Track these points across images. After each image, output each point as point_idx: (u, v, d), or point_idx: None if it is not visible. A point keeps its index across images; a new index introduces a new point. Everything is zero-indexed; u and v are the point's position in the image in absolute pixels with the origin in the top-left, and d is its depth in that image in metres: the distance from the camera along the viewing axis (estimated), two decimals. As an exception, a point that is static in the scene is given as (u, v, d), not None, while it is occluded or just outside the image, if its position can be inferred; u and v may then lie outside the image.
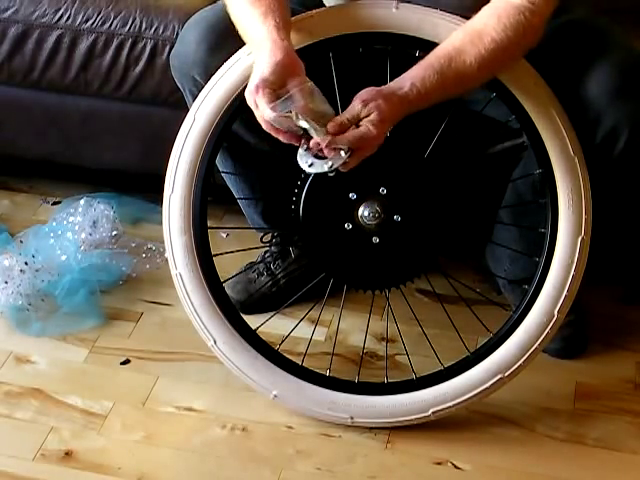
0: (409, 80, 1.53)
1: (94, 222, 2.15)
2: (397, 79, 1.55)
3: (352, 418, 1.73)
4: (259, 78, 1.50)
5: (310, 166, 1.53)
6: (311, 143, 1.50)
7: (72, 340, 1.92)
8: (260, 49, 1.53)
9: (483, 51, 1.54)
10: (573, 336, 1.89)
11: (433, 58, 1.55)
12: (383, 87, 1.53)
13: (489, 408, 1.77)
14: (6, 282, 1.99)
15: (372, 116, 1.50)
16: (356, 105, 1.51)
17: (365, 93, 1.52)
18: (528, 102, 1.63)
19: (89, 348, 1.91)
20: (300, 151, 1.53)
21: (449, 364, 1.73)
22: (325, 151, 1.50)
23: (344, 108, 1.61)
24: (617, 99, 1.60)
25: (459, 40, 1.55)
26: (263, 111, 1.50)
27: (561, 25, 1.62)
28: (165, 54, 2.02)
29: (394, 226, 1.66)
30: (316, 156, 1.52)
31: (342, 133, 1.49)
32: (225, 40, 1.67)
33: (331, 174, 1.54)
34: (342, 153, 1.50)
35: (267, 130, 1.53)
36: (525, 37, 1.55)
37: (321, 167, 1.52)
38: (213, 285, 1.72)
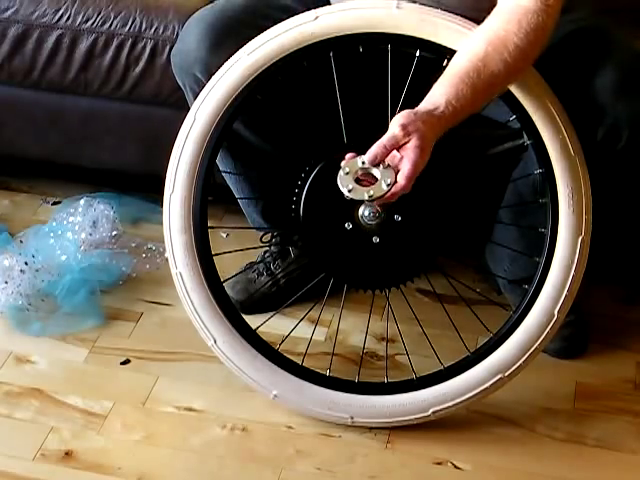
0: (443, 98, 1.50)
1: (94, 222, 2.15)
2: (429, 97, 1.52)
3: (352, 418, 1.73)
4: None
5: (350, 191, 1.51)
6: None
7: (72, 340, 1.92)
8: None
9: (509, 59, 1.52)
10: (573, 336, 1.89)
11: (462, 72, 1.52)
12: (419, 108, 1.50)
13: (489, 408, 1.77)
14: (6, 282, 1.98)
15: (413, 142, 1.47)
16: (395, 130, 1.48)
17: (403, 117, 1.48)
18: (529, 102, 1.63)
19: (89, 348, 1.91)
20: (341, 173, 1.51)
21: (449, 364, 1.73)
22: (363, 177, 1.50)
23: (344, 108, 1.62)
24: (617, 99, 1.60)
25: (483, 50, 1.53)
26: None
27: (562, 25, 1.62)
28: (165, 54, 2.02)
29: (394, 226, 1.65)
30: (356, 180, 1.51)
31: (381, 157, 1.48)
32: (226, 38, 1.68)
33: (369, 202, 1.53)
34: (383, 185, 1.49)
35: None
36: (543, 39, 1.54)
37: (361, 195, 1.51)
38: (213, 284, 1.72)
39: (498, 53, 1.52)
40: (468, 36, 1.59)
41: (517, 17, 1.53)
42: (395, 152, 1.50)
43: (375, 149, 1.49)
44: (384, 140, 1.48)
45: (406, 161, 1.48)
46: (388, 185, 1.49)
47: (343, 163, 1.52)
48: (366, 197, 1.51)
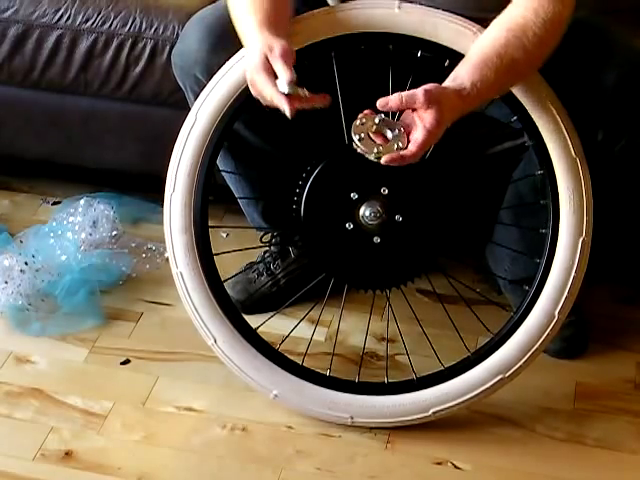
0: (469, 80, 1.50)
1: (94, 222, 2.15)
2: (454, 78, 1.51)
3: (352, 418, 1.73)
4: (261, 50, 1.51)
5: (360, 140, 1.48)
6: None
7: (72, 340, 1.92)
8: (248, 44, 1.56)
9: (530, 47, 1.52)
10: (573, 336, 1.89)
11: (486, 56, 1.52)
12: (446, 84, 1.50)
13: (489, 408, 1.77)
14: (6, 282, 1.98)
15: (432, 113, 1.45)
16: (418, 92, 1.46)
17: (430, 85, 1.47)
18: (529, 102, 1.63)
19: (89, 348, 1.91)
20: (356, 122, 1.49)
21: (450, 364, 1.73)
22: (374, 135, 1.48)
23: (345, 108, 1.61)
24: (618, 99, 1.61)
25: (504, 37, 1.53)
26: (284, 75, 1.47)
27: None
28: (165, 54, 2.02)
29: (395, 226, 1.66)
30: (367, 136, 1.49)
31: (392, 105, 1.46)
32: (227, 38, 1.67)
33: (375, 160, 1.49)
34: (394, 146, 1.46)
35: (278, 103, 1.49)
36: (560, 28, 1.54)
37: (368, 149, 1.47)
38: (214, 284, 1.72)
39: (518, 39, 1.52)
40: (469, 36, 1.60)
41: (533, 6, 1.53)
42: (414, 117, 1.47)
43: (391, 97, 1.46)
44: (403, 93, 1.46)
45: (421, 128, 1.46)
46: (398, 149, 1.47)
47: (360, 115, 1.49)
48: (374, 151, 1.47)
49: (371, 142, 1.48)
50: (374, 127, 1.49)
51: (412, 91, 1.47)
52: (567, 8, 1.54)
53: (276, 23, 1.55)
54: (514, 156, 1.80)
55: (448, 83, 1.51)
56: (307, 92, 1.48)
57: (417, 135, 1.47)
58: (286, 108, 1.48)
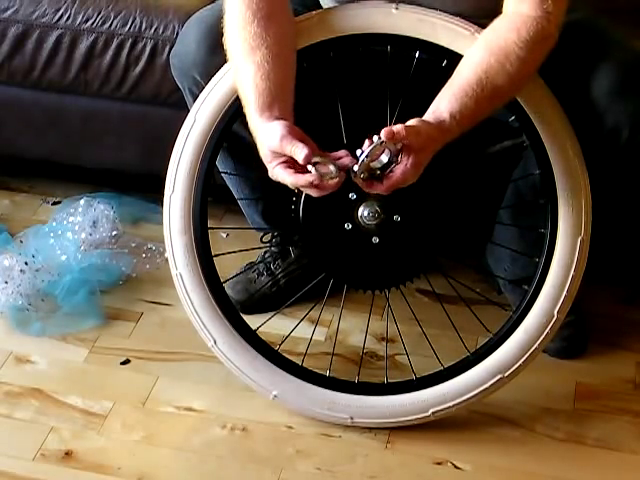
0: (447, 112, 1.49)
1: (94, 222, 2.15)
2: (434, 111, 1.50)
3: (352, 418, 1.73)
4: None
5: (365, 155, 1.47)
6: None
7: (72, 340, 1.92)
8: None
9: (511, 70, 1.51)
10: (573, 336, 1.89)
11: (466, 85, 1.51)
12: (426, 119, 1.49)
13: (489, 408, 1.77)
14: (6, 282, 1.99)
15: (412, 158, 1.45)
16: (420, 128, 1.46)
17: (417, 121, 1.47)
18: (527, 103, 1.63)
19: (89, 348, 1.91)
20: (379, 141, 1.47)
21: (449, 364, 1.73)
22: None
23: (344, 108, 1.62)
24: (618, 98, 1.60)
25: (485, 62, 1.51)
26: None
27: (562, 26, 1.62)
28: (165, 54, 2.02)
29: (394, 226, 1.65)
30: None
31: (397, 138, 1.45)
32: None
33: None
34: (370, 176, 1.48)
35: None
36: (546, 46, 1.53)
37: (359, 165, 1.48)
38: (213, 285, 1.72)
39: (501, 64, 1.51)
40: (466, 37, 1.60)
41: (517, 25, 1.52)
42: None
43: (394, 128, 1.45)
44: (408, 125, 1.45)
45: (400, 170, 1.47)
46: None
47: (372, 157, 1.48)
48: (354, 168, 1.48)
49: (367, 164, 1.48)
50: (389, 151, 1.48)
51: (414, 127, 1.46)
52: (553, 24, 1.52)
53: (271, 103, 1.55)
54: (514, 155, 1.80)
55: (429, 116, 1.50)
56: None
57: (394, 176, 1.47)
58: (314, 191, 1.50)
